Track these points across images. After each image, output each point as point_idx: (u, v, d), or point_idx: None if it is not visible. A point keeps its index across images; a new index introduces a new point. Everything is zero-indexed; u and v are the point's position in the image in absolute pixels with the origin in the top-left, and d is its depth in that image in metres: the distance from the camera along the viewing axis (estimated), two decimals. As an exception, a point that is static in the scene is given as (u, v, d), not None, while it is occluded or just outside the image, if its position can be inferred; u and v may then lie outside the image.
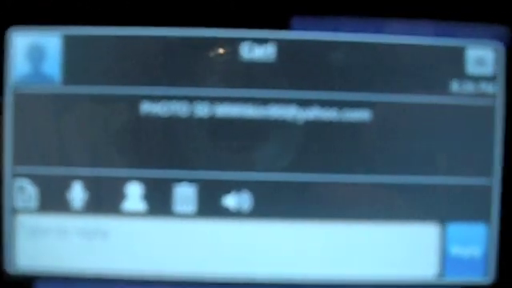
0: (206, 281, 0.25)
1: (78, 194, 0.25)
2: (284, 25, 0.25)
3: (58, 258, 0.25)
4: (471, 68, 0.25)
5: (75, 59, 0.25)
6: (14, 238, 0.25)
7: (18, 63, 0.25)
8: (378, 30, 0.25)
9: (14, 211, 0.25)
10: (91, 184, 0.25)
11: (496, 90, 0.25)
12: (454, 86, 0.25)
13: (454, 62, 0.25)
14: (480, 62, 0.25)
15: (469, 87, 0.25)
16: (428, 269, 0.25)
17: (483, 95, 0.25)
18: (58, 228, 0.25)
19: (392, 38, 0.25)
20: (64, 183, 0.25)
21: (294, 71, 0.25)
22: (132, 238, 0.25)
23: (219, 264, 0.25)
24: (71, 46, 0.25)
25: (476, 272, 0.25)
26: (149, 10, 0.25)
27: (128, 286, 0.25)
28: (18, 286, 0.25)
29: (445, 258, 0.25)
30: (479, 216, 0.25)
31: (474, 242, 0.25)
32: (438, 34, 0.25)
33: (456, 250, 0.25)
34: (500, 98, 0.25)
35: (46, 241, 0.25)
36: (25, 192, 0.25)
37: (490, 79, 0.25)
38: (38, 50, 0.25)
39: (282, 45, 0.25)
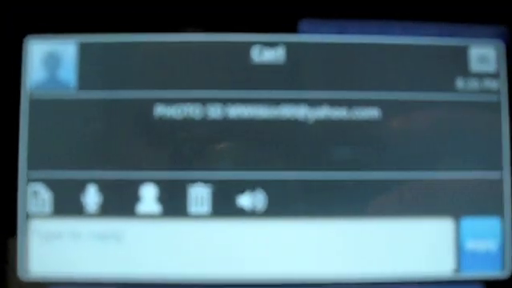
0: (222, 282, 0.25)
1: (92, 197, 0.25)
2: (292, 28, 0.26)
3: (71, 262, 0.25)
4: (475, 66, 0.26)
5: (90, 65, 0.26)
6: (28, 243, 0.25)
7: (35, 70, 0.26)
8: (383, 32, 0.26)
9: (28, 216, 0.25)
10: (105, 187, 0.25)
11: (500, 85, 0.26)
12: (460, 83, 0.26)
13: (458, 61, 0.26)
14: (483, 59, 0.26)
15: (474, 84, 0.26)
16: (444, 264, 0.25)
17: (488, 91, 0.26)
18: (71, 232, 0.25)
19: (398, 39, 0.26)
20: (78, 187, 0.25)
21: (304, 72, 0.26)
22: (147, 241, 0.25)
23: (234, 265, 0.25)
24: (86, 53, 0.26)
25: (492, 266, 0.25)
26: (160, 17, 0.26)
27: (143, 289, 0.25)
28: (31, 292, 0.25)
29: (460, 253, 0.25)
30: (492, 210, 0.25)
31: (488, 236, 0.25)
32: (441, 35, 0.26)
33: (471, 244, 0.25)
34: (504, 94, 0.26)
35: (60, 245, 0.25)
36: (38, 197, 0.25)
37: (494, 76, 0.26)
38: (53, 57, 0.26)
39: (290, 47, 0.26)
